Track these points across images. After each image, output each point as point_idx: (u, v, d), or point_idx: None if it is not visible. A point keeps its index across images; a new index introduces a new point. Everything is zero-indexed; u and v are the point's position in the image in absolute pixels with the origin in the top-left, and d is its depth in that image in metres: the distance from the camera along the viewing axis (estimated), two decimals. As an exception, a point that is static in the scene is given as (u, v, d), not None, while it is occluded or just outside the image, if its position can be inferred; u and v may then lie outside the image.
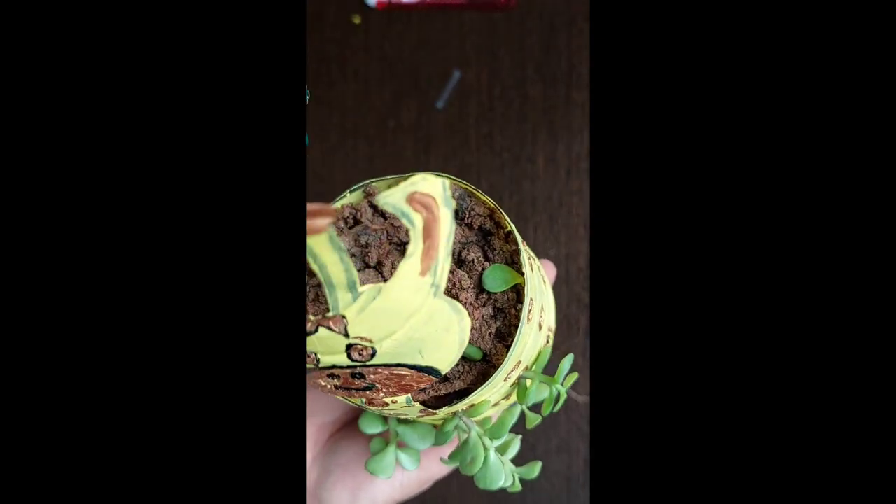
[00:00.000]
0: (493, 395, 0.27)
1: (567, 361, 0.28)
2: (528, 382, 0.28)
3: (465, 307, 0.25)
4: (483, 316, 0.26)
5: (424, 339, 0.22)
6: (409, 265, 0.19)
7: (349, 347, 0.21)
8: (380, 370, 0.23)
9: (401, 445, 0.31)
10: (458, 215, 0.27)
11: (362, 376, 0.23)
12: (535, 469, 0.30)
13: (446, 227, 0.19)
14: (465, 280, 0.25)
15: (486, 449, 0.28)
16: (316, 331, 0.20)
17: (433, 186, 0.19)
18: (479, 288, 0.26)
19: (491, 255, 0.27)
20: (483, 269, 0.26)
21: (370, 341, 0.21)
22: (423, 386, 0.24)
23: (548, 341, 0.30)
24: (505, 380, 0.26)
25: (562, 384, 0.28)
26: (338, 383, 0.24)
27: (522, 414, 0.29)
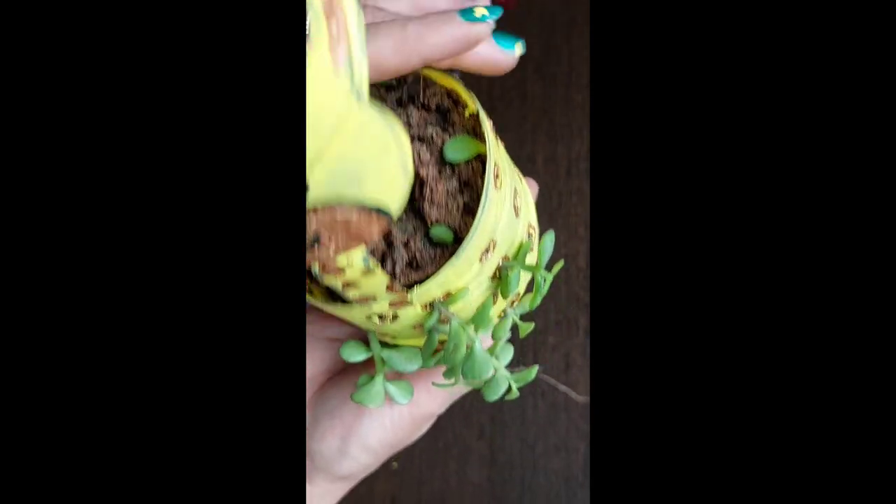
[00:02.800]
0: (470, 280, 0.25)
1: (548, 240, 0.26)
2: (510, 273, 0.26)
3: (428, 182, 0.24)
4: (448, 190, 0.24)
5: (360, 164, 0.20)
6: (316, 56, 0.16)
7: None
8: (320, 212, 0.20)
9: (389, 377, 0.29)
10: (413, 100, 0.26)
11: None
12: (531, 373, 0.28)
13: (352, 8, 0.17)
14: (423, 153, 0.24)
15: (470, 339, 0.26)
16: None
17: None
18: (442, 162, 0.24)
19: (451, 131, 0.25)
20: (443, 143, 0.25)
21: None
22: (374, 235, 0.21)
23: (529, 237, 0.29)
24: (480, 260, 0.24)
25: (546, 269, 0.26)
26: None
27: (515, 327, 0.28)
